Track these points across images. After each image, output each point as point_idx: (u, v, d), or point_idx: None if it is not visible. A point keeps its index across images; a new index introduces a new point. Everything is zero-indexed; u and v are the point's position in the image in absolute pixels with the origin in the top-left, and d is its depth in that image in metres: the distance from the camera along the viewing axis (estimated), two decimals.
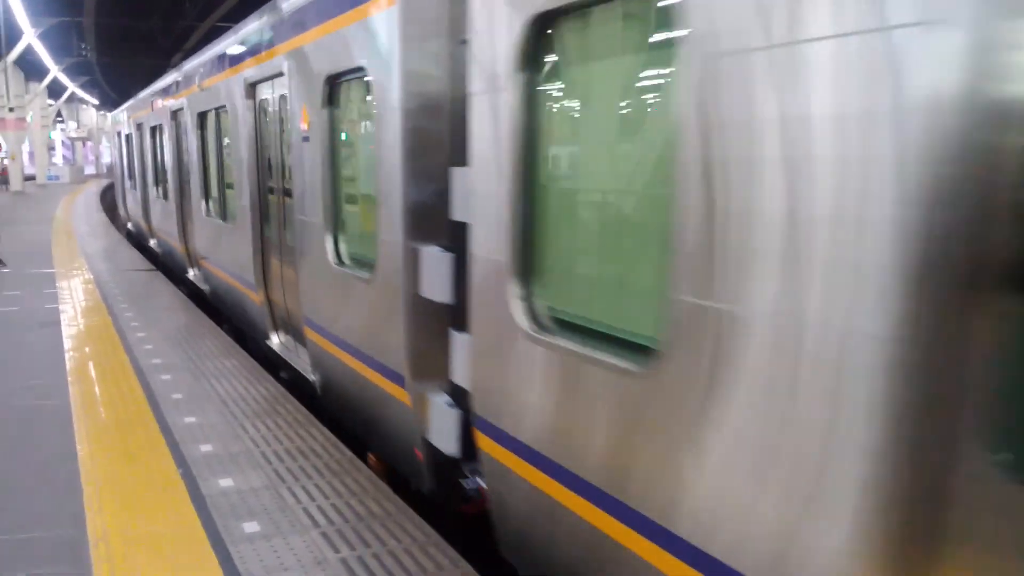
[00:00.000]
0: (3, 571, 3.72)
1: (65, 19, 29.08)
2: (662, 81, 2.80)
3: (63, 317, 9.27)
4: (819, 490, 2.13)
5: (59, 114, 61.05)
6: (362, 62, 4.73)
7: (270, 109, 6.97)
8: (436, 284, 4.18)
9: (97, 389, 6.46)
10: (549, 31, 3.23)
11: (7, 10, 25.20)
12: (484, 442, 3.84)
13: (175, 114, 11.74)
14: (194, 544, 3.94)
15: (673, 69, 2.64)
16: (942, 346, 1.86)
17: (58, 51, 34.90)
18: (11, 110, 35.49)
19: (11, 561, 3.81)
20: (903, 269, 1.89)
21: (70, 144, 70.77)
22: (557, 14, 3.11)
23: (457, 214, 3.96)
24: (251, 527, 4.12)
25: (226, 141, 8.75)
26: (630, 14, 2.92)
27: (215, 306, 10.24)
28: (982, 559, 1.88)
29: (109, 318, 9.23)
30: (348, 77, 5.17)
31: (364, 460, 5.36)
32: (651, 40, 2.83)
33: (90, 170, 66.55)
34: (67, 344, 7.95)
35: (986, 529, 1.86)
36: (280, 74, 6.36)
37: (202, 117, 9.78)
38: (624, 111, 3.02)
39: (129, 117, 18.27)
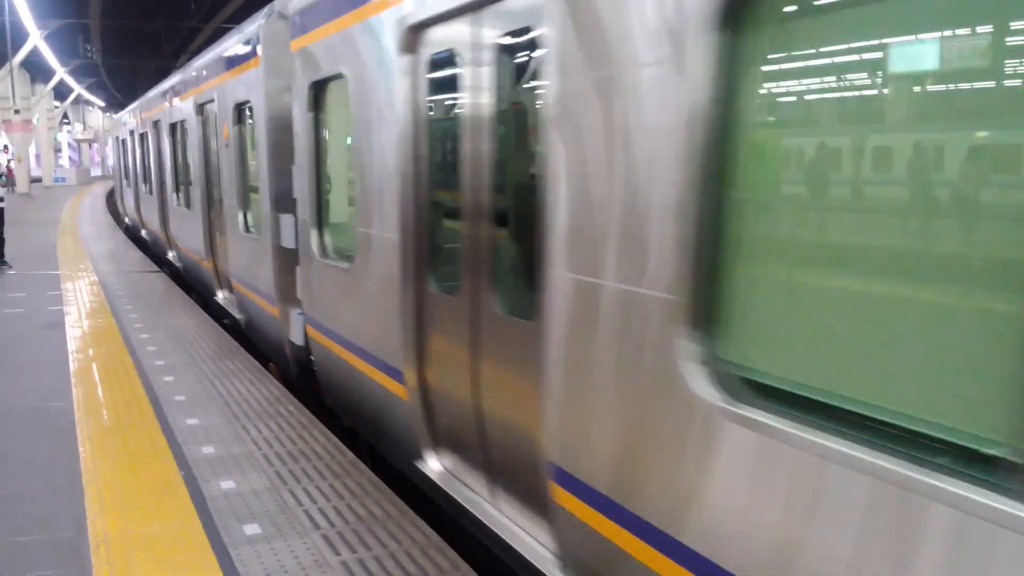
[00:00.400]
0: (4, 574, 3.72)
1: (71, 21, 29.20)
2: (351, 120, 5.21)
3: (67, 319, 9.29)
4: (394, 314, 4.57)
5: (65, 116, 61.20)
6: (249, 96, 7.51)
7: (210, 124, 9.80)
8: (287, 237, 6.70)
9: (100, 391, 6.47)
10: (320, 89, 5.76)
11: (13, 12, 25.28)
12: (309, 331, 6.33)
13: (155, 123, 14.53)
14: (195, 546, 3.93)
15: (350, 116, 5.11)
16: (413, 238, 4.37)
17: (64, 53, 35.05)
18: (17, 112, 35.55)
19: (12, 563, 3.81)
20: (399, 203, 4.41)
21: (76, 146, 71.01)
22: (323, 81, 5.65)
23: (295, 194, 6.34)
24: (252, 529, 4.11)
25: (188, 146, 11.59)
26: (344, 85, 5.26)
27: (186, 280, 12.84)
28: (431, 334, 4.37)
29: (113, 319, 9.25)
30: (244, 105, 7.91)
31: (267, 368, 7.51)
32: (349, 98, 5.14)
33: (96, 172, 66.81)
34: (71, 346, 7.96)
35: (435, 320, 4.29)
36: (213, 100, 9.24)
37: (173, 127, 12.67)
38: (344, 134, 5.48)
39: (123, 124, 21.51)
